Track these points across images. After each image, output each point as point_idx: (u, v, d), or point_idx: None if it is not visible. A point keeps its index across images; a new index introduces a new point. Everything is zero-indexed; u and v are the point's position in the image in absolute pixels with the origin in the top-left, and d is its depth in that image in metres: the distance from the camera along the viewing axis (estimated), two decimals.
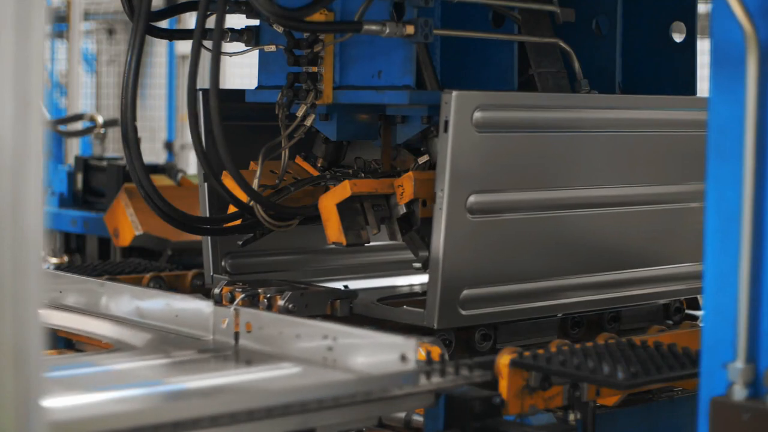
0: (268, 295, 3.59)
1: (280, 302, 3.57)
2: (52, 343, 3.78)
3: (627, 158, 3.79)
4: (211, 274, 3.95)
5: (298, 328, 3.16)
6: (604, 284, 3.77)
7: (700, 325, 3.83)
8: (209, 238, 3.91)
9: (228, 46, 3.70)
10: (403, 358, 2.92)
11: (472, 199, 3.39)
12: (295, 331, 3.16)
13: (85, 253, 6.58)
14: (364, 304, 3.69)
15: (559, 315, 3.69)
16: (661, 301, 4.00)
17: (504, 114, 3.47)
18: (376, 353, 2.98)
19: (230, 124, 3.54)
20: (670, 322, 4.01)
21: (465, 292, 3.41)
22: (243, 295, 3.60)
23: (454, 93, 3.32)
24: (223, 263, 3.96)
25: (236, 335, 3.31)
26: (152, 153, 10.41)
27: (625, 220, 3.81)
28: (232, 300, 3.60)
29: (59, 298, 3.83)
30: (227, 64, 9.27)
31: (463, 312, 3.41)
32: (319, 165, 3.87)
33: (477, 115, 3.37)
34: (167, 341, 3.37)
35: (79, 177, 6.82)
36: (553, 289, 3.63)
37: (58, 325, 3.71)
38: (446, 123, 3.33)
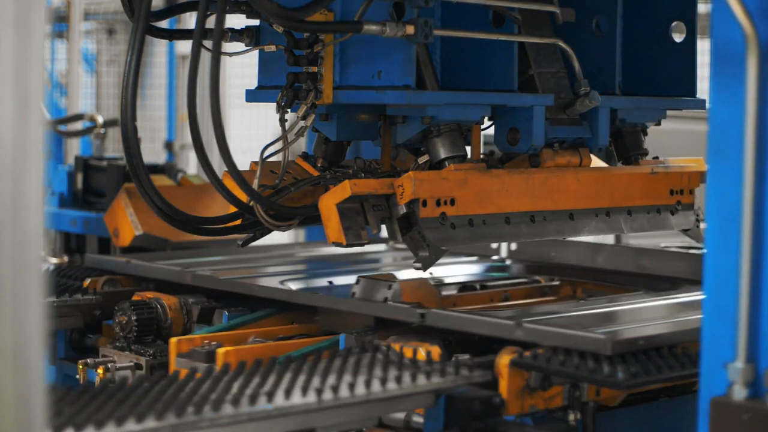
0: None
1: None
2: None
3: None
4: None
5: None
6: None
7: None
8: None
9: (228, 46, 3.70)
10: None
11: None
12: None
13: (86, 253, 6.56)
14: None
15: None
16: None
17: None
18: None
19: None
20: None
21: None
22: None
23: None
24: None
25: None
26: (152, 153, 10.38)
27: None
28: None
29: None
30: (227, 64, 9.26)
31: None
32: (319, 165, 3.87)
33: None
34: None
35: (79, 177, 6.79)
36: None
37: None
38: None
